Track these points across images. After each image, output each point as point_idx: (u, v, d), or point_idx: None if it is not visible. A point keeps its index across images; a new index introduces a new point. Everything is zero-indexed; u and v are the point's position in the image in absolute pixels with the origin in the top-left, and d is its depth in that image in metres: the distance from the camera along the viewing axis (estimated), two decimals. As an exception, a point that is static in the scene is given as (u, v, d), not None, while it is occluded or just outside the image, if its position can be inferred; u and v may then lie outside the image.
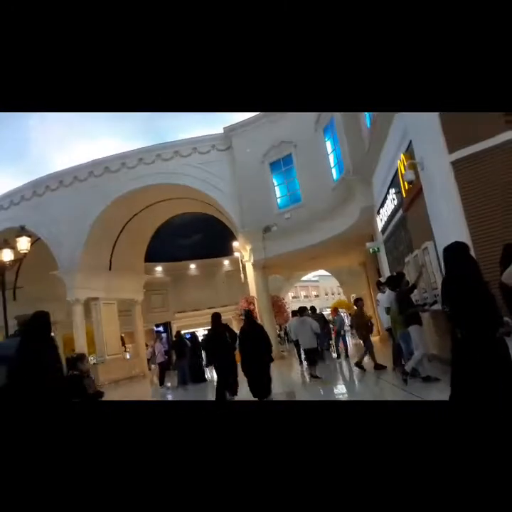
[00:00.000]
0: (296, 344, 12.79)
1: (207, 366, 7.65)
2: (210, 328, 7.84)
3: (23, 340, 3.66)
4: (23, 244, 11.68)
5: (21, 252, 11.70)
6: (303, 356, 11.17)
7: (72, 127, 75.70)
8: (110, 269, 20.41)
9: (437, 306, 7.03)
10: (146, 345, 20.78)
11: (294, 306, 40.19)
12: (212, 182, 17.51)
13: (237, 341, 7.29)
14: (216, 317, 7.85)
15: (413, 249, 8.28)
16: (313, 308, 13.06)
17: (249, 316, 7.71)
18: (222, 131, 17.71)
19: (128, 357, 22.49)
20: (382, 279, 9.74)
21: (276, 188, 16.99)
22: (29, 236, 12.33)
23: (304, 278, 40.11)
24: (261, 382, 6.88)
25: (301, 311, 10.04)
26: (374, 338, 18.07)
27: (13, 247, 11.57)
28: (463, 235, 5.63)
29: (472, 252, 4.54)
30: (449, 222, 6.12)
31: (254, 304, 17.53)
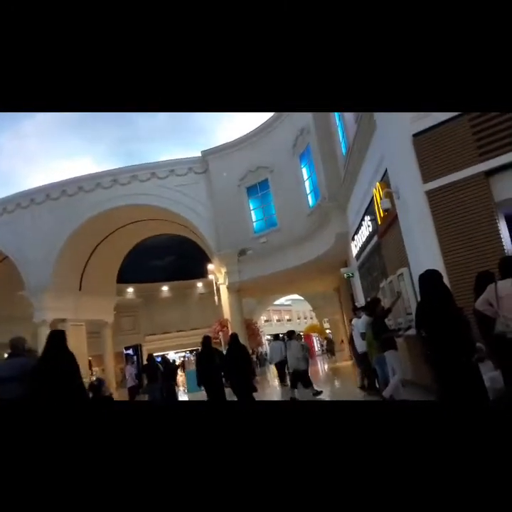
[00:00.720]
0: (280, 367, 13.12)
1: (198, 385, 8.08)
2: (200, 350, 8.49)
3: (46, 358, 4.09)
4: (-10, 262, 11.27)
5: (-13, 270, 11.28)
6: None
7: (45, 144, 74.50)
8: (80, 289, 19.87)
9: (411, 331, 7.15)
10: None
11: (267, 329, 40.13)
12: (189, 204, 17.51)
13: (225, 361, 7.92)
14: (207, 340, 8.53)
15: (388, 275, 8.44)
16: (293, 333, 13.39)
17: (235, 339, 8.33)
18: (200, 155, 17.84)
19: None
20: (358, 304, 9.85)
21: (253, 212, 17.14)
22: (-3, 254, 11.93)
23: (277, 302, 40.21)
24: (248, 395, 7.64)
25: (289, 334, 10.65)
26: (347, 363, 18.19)
27: (-21, 265, 11.15)
28: (437, 262, 5.79)
29: (445, 279, 4.71)
30: (423, 249, 6.29)
31: (227, 327, 17.37)
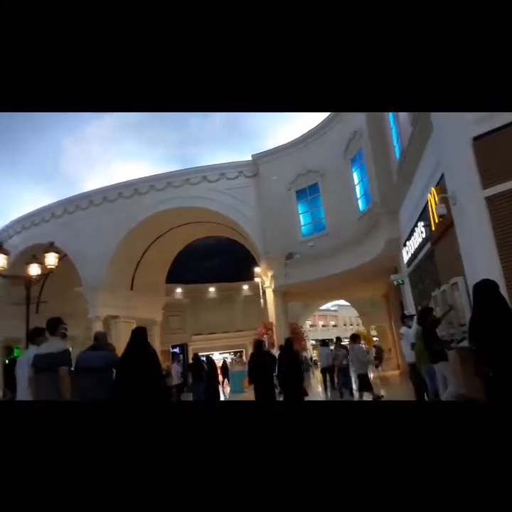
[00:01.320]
0: (325, 372, 13.61)
1: (250, 383, 8.59)
2: (253, 351, 8.94)
3: (131, 350, 4.58)
4: (51, 259, 11.92)
5: (48, 267, 11.94)
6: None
7: (105, 148, 78.21)
8: (132, 288, 20.64)
9: (464, 343, 6.84)
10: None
11: (312, 334, 39.73)
12: (238, 207, 17.74)
13: (277, 364, 8.47)
14: (260, 343, 8.96)
15: (440, 284, 8.12)
16: (339, 339, 13.87)
17: (290, 344, 8.84)
18: (251, 159, 18.02)
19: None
20: (407, 313, 9.55)
21: (301, 216, 17.07)
22: (57, 252, 12.61)
23: (323, 307, 39.74)
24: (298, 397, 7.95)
25: (354, 338, 11.26)
26: (395, 372, 17.65)
27: (41, 262, 11.83)
28: (494, 272, 5.51)
29: (503, 291, 4.45)
30: (480, 258, 6.01)
31: (272, 330, 17.38)
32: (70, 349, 4.86)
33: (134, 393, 4.29)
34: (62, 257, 19.50)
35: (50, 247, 12.07)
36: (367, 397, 9.86)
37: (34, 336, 5.02)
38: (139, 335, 4.77)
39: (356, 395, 10.29)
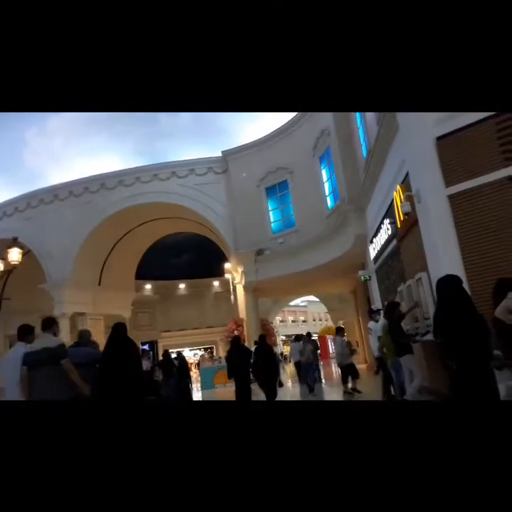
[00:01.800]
0: (298, 366, 13.50)
1: (229, 377, 8.93)
2: (230, 347, 9.36)
3: (112, 344, 4.78)
4: (14, 255, 11.56)
5: (12, 263, 11.57)
6: None
7: (70, 142, 75.81)
8: (100, 284, 20.23)
9: (429, 337, 7.10)
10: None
11: (282, 330, 40.03)
12: (208, 203, 17.67)
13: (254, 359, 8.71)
14: (237, 338, 9.39)
15: (406, 279, 8.38)
16: (309, 334, 14.10)
17: (263, 339, 9.28)
18: (221, 155, 17.96)
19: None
20: (374, 308, 9.80)
21: (271, 213, 17.18)
22: (21, 248, 12.23)
23: (292, 302, 40.13)
24: (272, 390, 8.42)
25: (338, 331, 11.60)
26: (362, 366, 18.07)
27: (4, 258, 11.45)
28: (457, 268, 5.74)
29: (465, 286, 4.64)
30: (443, 254, 6.23)
31: (242, 326, 17.45)
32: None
33: (116, 388, 4.45)
34: (26, 253, 18.90)
35: (14, 243, 11.70)
36: (352, 384, 10.24)
37: (24, 334, 4.91)
38: (119, 330, 4.90)
39: (322, 387, 10.66)
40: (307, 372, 11.41)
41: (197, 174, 18.07)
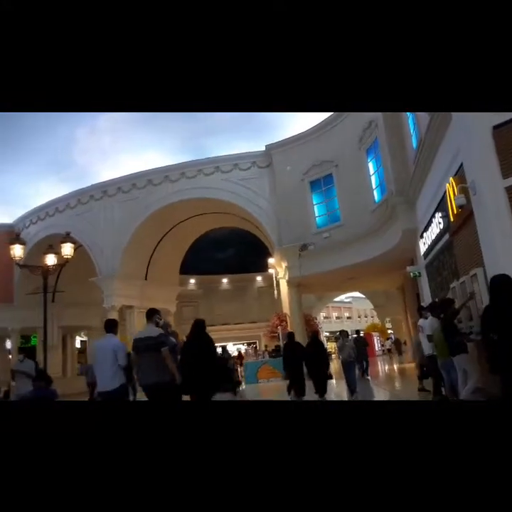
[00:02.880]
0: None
1: (284, 369, 9.89)
2: (286, 342, 10.43)
3: (193, 338, 5.75)
4: (67, 250, 12.05)
5: (64, 257, 12.07)
6: None
7: (118, 139, 78.51)
8: (146, 278, 20.79)
9: (484, 337, 6.71)
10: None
11: (326, 326, 39.62)
12: (252, 198, 17.66)
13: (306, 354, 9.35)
14: (291, 334, 10.33)
15: (459, 276, 7.97)
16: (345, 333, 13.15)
17: (315, 336, 10.16)
18: (264, 149, 17.88)
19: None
20: (424, 305, 9.41)
21: (315, 207, 16.92)
22: (73, 242, 12.74)
23: (337, 299, 39.58)
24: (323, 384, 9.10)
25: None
26: (411, 365, 17.51)
27: (57, 253, 11.96)
28: (516, 263, 5.36)
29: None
30: (500, 249, 5.86)
31: (286, 322, 17.36)
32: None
33: (195, 372, 5.28)
34: (78, 247, 19.76)
35: (67, 238, 12.20)
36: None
37: (111, 327, 5.87)
38: (198, 326, 5.90)
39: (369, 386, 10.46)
40: (348, 372, 10.12)
41: (241, 169, 18.09)
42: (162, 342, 5.39)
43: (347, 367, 10.06)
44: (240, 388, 7.08)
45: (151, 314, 5.76)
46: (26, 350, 23.59)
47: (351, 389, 9.88)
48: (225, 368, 6.86)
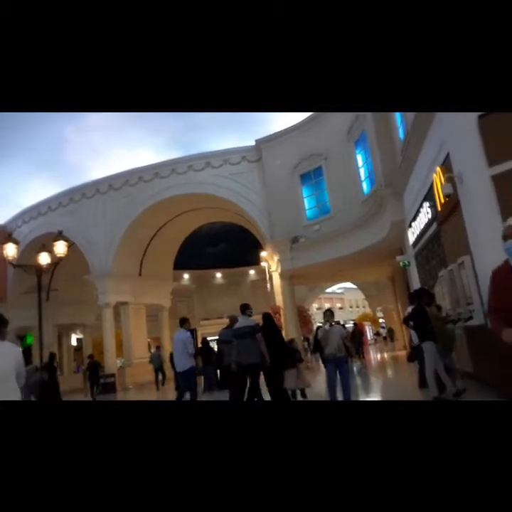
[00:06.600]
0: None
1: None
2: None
3: (265, 327, 7.03)
4: (60, 248, 12.03)
5: (58, 255, 12.07)
6: None
7: (108, 137, 77.72)
8: (140, 274, 20.85)
9: (471, 322, 6.94)
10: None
11: (318, 317, 39.88)
12: (242, 193, 17.75)
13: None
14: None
15: (447, 264, 8.19)
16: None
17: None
18: (254, 144, 17.96)
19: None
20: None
21: (306, 200, 17.07)
22: (66, 241, 12.75)
23: (329, 289, 39.89)
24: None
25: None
26: (401, 353, 17.82)
27: (50, 251, 11.96)
28: (501, 250, 5.56)
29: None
30: (487, 237, 6.04)
31: (279, 314, 17.55)
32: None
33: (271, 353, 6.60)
34: (71, 245, 19.72)
35: (59, 236, 12.17)
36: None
37: (183, 323, 7.92)
38: (268, 318, 7.33)
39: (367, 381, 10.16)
40: (333, 372, 6.41)
41: (231, 164, 18.15)
42: (257, 329, 6.75)
43: (333, 366, 6.37)
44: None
45: (245, 308, 7.14)
46: (23, 349, 23.58)
47: (346, 395, 6.37)
48: (292, 350, 7.87)
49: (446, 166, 7.20)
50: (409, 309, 8.74)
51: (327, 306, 48.56)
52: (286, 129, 17.36)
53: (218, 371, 12.95)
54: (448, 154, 7.11)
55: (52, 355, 13.01)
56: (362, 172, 14.82)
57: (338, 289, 45.77)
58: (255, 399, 6.92)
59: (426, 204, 9.07)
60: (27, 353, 22.80)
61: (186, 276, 30.25)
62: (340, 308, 50.04)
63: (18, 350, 3.18)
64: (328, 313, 6.65)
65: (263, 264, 20.70)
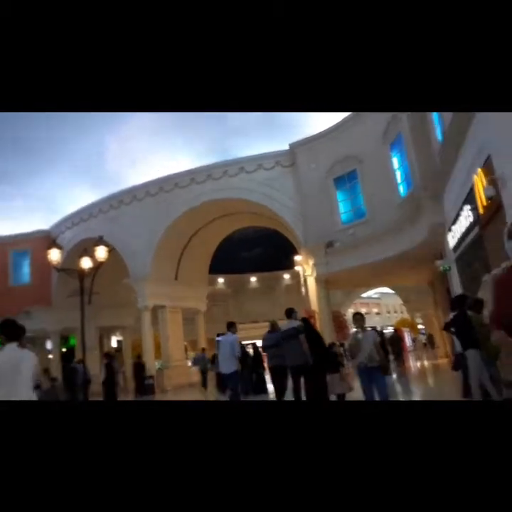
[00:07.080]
0: None
1: None
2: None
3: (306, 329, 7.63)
4: (101, 253, 12.49)
5: (99, 260, 12.52)
6: None
7: (149, 144, 79.97)
8: (176, 278, 21.27)
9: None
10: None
11: (354, 323, 39.29)
12: (277, 197, 17.79)
13: None
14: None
15: (490, 269, 7.90)
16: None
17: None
18: (287, 148, 17.98)
19: (190, 364, 23.09)
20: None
21: (340, 204, 16.91)
22: (106, 246, 13.21)
23: (365, 294, 39.20)
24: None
25: None
26: (443, 361, 17.26)
27: (92, 256, 12.43)
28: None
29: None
30: (532, 240, 5.81)
31: (314, 318, 17.41)
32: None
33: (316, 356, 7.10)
34: (111, 250, 20.40)
35: (100, 241, 12.65)
36: None
37: (230, 327, 8.57)
38: (308, 323, 7.93)
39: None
40: (369, 383, 5.98)
41: (265, 169, 18.25)
42: (300, 331, 7.28)
43: (366, 377, 5.92)
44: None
45: (291, 312, 7.75)
46: (66, 350, 24.60)
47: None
48: (334, 355, 8.10)
49: (488, 168, 6.97)
50: (451, 315, 8.50)
51: (363, 311, 47.78)
52: (320, 133, 17.29)
53: (254, 375, 12.99)
54: (489, 156, 6.88)
55: (109, 356, 13.28)
56: (398, 175, 14.53)
57: (375, 294, 44.90)
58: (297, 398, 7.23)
59: (466, 207, 8.80)
60: (70, 353, 23.72)
61: (221, 280, 30.57)
62: (377, 313, 49.07)
63: (34, 356, 3.68)
64: (359, 317, 6.13)
65: (297, 268, 20.63)
